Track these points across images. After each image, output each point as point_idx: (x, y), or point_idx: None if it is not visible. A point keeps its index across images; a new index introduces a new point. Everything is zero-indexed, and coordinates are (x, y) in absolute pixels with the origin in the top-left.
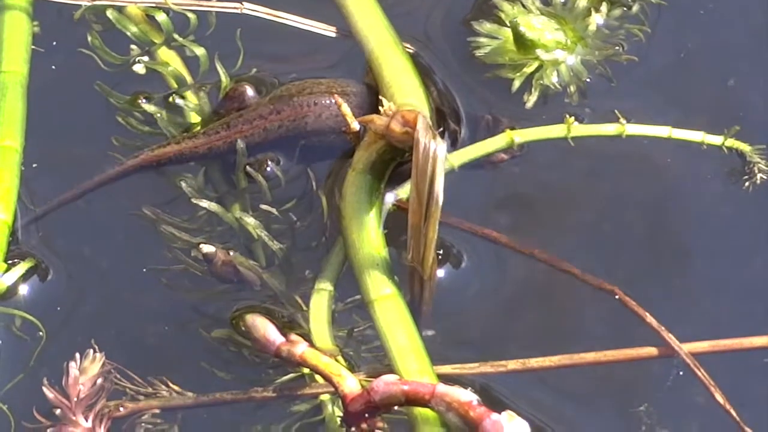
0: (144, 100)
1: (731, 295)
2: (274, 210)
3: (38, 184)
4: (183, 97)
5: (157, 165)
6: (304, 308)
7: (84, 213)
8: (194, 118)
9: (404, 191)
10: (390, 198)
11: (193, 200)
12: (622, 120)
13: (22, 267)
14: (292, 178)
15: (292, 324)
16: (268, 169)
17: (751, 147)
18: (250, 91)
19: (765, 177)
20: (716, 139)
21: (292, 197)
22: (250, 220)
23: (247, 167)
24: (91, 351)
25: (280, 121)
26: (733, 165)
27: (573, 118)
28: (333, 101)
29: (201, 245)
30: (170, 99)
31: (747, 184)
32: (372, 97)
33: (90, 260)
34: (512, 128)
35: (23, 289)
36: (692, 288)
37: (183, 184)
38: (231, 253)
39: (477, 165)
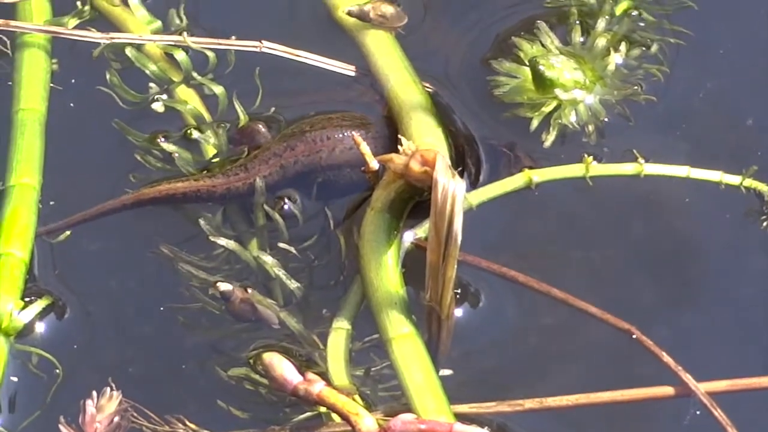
0: (163, 139)
1: (749, 334)
2: (291, 248)
3: (56, 222)
4: (200, 131)
5: (173, 200)
6: (322, 347)
7: (102, 251)
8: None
9: (423, 230)
10: (408, 237)
11: (211, 238)
12: (640, 159)
13: (39, 304)
14: (310, 217)
15: (309, 363)
16: (286, 207)
17: None
18: (261, 129)
19: None
20: (734, 179)
21: (311, 236)
22: (267, 259)
23: (265, 206)
24: (108, 389)
25: (294, 157)
26: (750, 205)
27: (591, 157)
28: (346, 134)
29: (218, 283)
30: (187, 133)
31: (765, 224)
32: (389, 129)
33: (107, 298)
34: (531, 167)
35: (40, 327)
36: (709, 327)
37: (201, 222)
38: (249, 291)
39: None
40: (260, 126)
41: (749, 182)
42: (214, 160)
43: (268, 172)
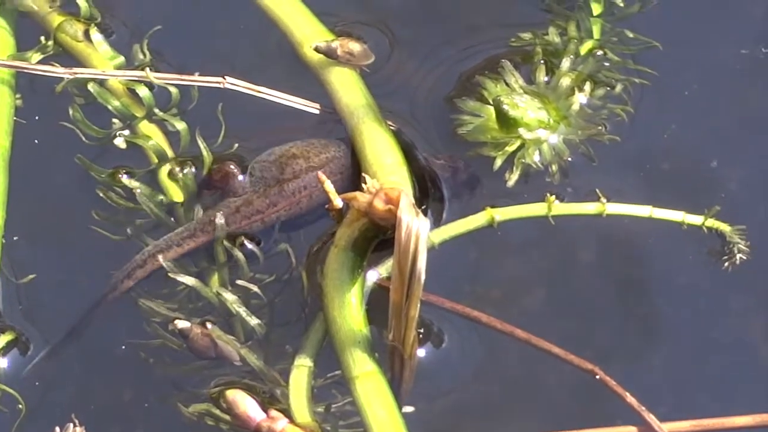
0: (125, 175)
1: (712, 374)
2: (250, 285)
3: (19, 256)
4: (173, 173)
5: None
6: (283, 384)
7: (65, 286)
8: (176, 196)
9: (385, 269)
10: (372, 276)
11: (171, 275)
12: (602, 199)
13: (2, 340)
14: (272, 254)
15: (271, 399)
16: (249, 246)
17: (731, 227)
18: (234, 170)
19: (744, 258)
20: (697, 219)
21: (272, 272)
22: (228, 296)
23: (225, 243)
24: (71, 425)
25: (277, 213)
26: (712, 245)
27: (554, 196)
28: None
29: (176, 321)
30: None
31: (726, 264)
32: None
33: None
34: (473, 176)
35: (3, 363)
36: (671, 366)
37: (161, 258)
38: (209, 326)
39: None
40: (232, 167)
41: (711, 222)
42: (178, 200)
43: (250, 227)
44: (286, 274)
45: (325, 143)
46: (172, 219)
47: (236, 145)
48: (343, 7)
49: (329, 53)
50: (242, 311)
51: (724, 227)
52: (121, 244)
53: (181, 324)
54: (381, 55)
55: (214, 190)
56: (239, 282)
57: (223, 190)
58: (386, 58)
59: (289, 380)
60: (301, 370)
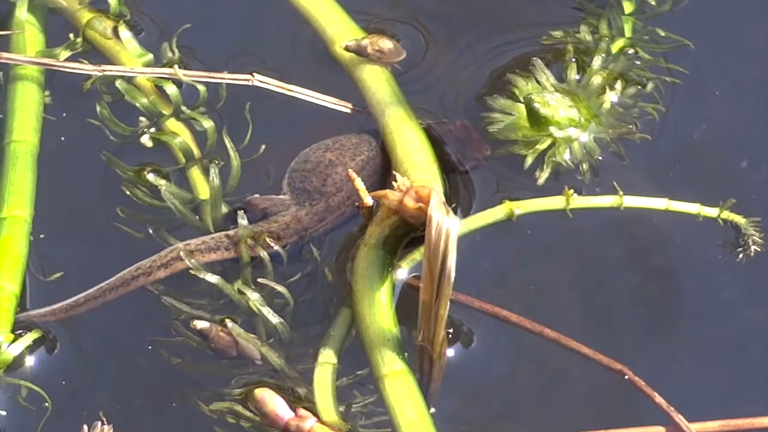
0: (151, 173)
1: (739, 372)
2: (273, 284)
3: (46, 254)
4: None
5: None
6: (305, 383)
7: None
8: (203, 194)
9: (407, 262)
10: (402, 274)
11: (194, 272)
12: (620, 192)
13: (29, 338)
14: (297, 251)
15: (294, 398)
16: (274, 247)
17: (746, 219)
18: (259, 202)
19: (759, 249)
20: (712, 211)
21: (296, 272)
22: (251, 294)
23: (249, 240)
24: (99, 423)
25: (324, 227)
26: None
27: (572, 190)
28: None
29: (196, 321)
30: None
31: (741, 256)
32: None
33: (97, 332)
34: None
35: (30, 360)
36: (697, 363)
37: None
38: (229, 324)
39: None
40: (257, 200)
41: (727, 214)
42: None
43: (298, 240)
44: (311, 273)
45: (356, 142)
46: (197, 218)
47: (263, 147)
48: (376, 5)
49: (359, 51)
50: (264, 310)
51: (739, 219)
52: (146, 242)
53: (201, 324)
54: (416, 52)
55: (257, 214)
56: (260, 280)
57: (264, 214)
58: (421, 56)
59: (314, 377)
60: (326, 367)
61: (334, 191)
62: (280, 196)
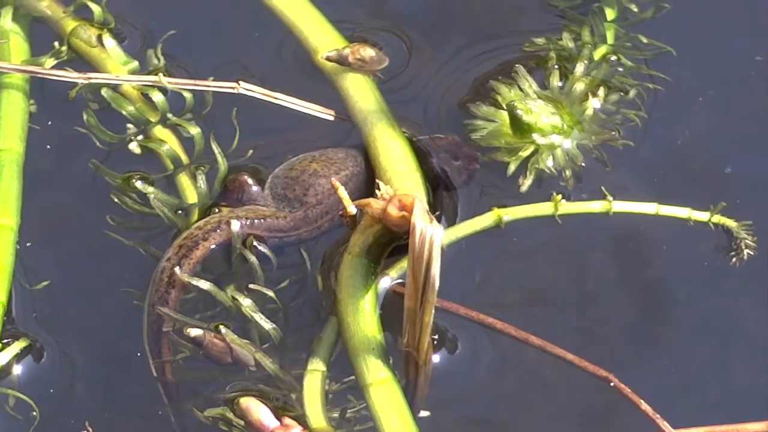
0: (139, 180)
1: (725, 377)
2: (264, 290)
3: (33, 263)
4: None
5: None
6: (298, 389)
7: (79, 293)
8: (191, 198)
9: (395, 270)
10: (386, 282)
11: (186, 279)
12: (609, 197)
13: (17, 347)
14: (287, 258)
15: (285, 405)
16: (263, 250)
17: (737, 223)
18: (250, 182)
19: (751, 253)
20: (703, 216)
21: (287, 277)
22: (244, 301)
23: (240, 248)
24: None
25: (298, 235)
26: (719, 241)
27: (560, 195)
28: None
29: (189, 329)
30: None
31: (734, 260)
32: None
33: (85, 340)
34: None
35: (17, 369)
36: (683, 369)
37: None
38: (223, 330)
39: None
40: (247, 178)
41: (718, 218)
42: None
43: (267, 240)
44: (302, 278)
45: (343, 156)
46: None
47: (250, 152)
48: (359, 14)
49: (341, 61)
50: (257, 316)
51: (731, 223)
52: (134, 249)
53: (195, 332)
54: (399, 60)
55: (230, 200)
56: (252, 286)
57: (240, 201)
58: (404, 64)
59: (303, 385)
60: (315, 374)
61: (314, 203)
62: (264, 193)
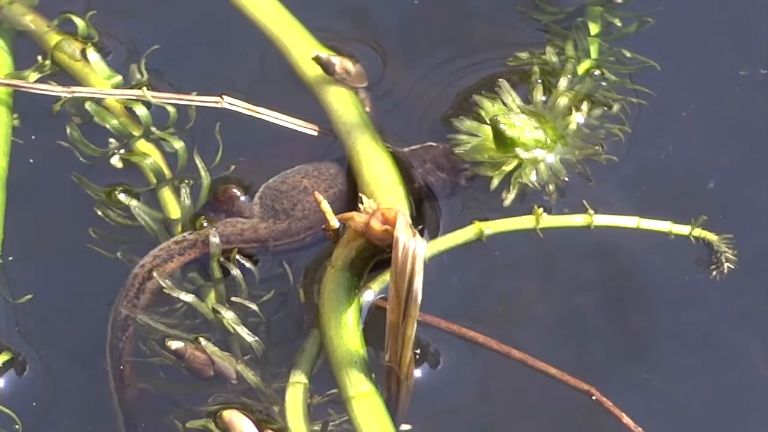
0: (122, 193)
1: (707, 392)
2: (246, 303)
3: (15, 276)
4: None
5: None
6: (280, 402)
7: (63, 307)
8: (174, 213)
9: (378, 284)
10: (369, 296)
11: (167, 291)
12: (590, 210)
13: None
14: (270, 270)
15: (268, 418)
16: (246, 264)
17: (718, 236)
18: (237, 194)
19: (732, 267)
20: (684, 229)
21: (269, 289)
22: (225, 314)
23: (221, 260)
24: None
25: (277, 246)
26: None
27: (542, 209)
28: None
29: (170, 342)
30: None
31: (714, 273)
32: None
33: (68, 352)
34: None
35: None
36: (665, 383)
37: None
38: (203, 342)
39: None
40: (235, 191)
41: (698, 232)
42: (176, 217)
43: (247, 250)
44: (284, 291)
45: (335, 173)
46: (170, 236)
47: (232, 167)
48: (338, 23)
49: (327, 66)
50: (239, 329)
51: (711, 236)
52: (118, 262)
53: (176, 345)
54: (374, 73)
55: (219, 211)
56: (234, 299)
57: (228, 212)
58: (383, 76)
59: (285, 398)
60: (297, 387)
61: (300, 216)
62: (252, 203)
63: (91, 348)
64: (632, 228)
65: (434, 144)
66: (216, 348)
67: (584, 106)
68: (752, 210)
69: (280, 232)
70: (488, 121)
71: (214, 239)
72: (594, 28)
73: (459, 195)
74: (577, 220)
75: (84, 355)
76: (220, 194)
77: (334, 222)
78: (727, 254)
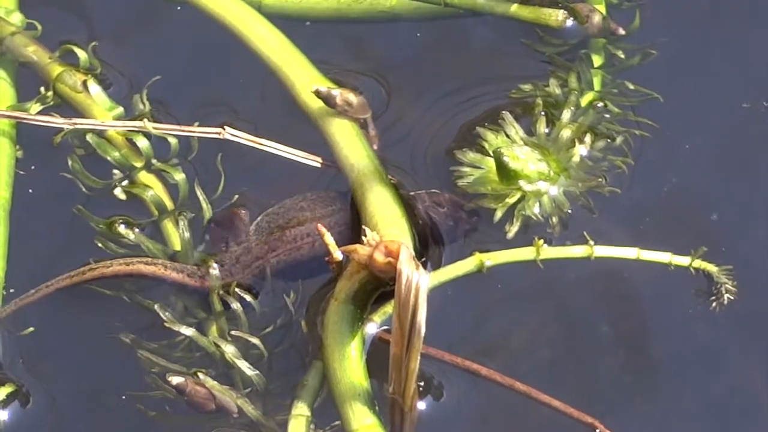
0: (122, 225)
1: (710, 424)
2: (247, 336)
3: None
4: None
5: (145, 277)
6: None
7: (66, 338)
8: (177, 245)
9: (379, 315)
10: (372, 328)
11: (167, 325)
12: (590, 241)
13: (3, 392)
14: (272, 303)
15: None
16: (246, 297)
17: (718, 267)
18: (243, 215)
19: (732, 298)
20: (684, 260)
21: (270, 323)
22: (226, 347)
23: (221, 293)
24: None
25: (277, 258)
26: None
27: (542, 240)
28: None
29: (171, 377)
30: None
31: (714, 305)
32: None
33: (72, 385)
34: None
35: (3, 414)
36: (667, 416)
37: (157, 308)
38: (201, 377)
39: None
40: (243, 212)
41: (698, 263)
42: (178, 250)
43: (251, 276)
44: (286, 323)
45: (334, 196)
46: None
47: (236, 196)
48: (341, 55)
49: (328, 99)
50: (240, 363)
51: (711, 268)
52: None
53: (176, 380)
54: (378, 105)
55: (220, 233)
56: (234, 333)
57: (228, 232)
58: (383, 108)
59: (288, 430)
60: (300, 420)
61: (293, 225)
62: (248, 229)
63: (94, 379)
64: (633, 259)
65: (437, 192)
66: (215, 383)
67: (587, 139)
68: (756, 241)
69: (274, 242)
70: (491, 154)
71: (214, 270)
72: (597, 60)
73: (461, 229)
74: (577, 251)
75: (87, 386)
76: (223, 211)
77: (338, 254)
78: (726, 285)
